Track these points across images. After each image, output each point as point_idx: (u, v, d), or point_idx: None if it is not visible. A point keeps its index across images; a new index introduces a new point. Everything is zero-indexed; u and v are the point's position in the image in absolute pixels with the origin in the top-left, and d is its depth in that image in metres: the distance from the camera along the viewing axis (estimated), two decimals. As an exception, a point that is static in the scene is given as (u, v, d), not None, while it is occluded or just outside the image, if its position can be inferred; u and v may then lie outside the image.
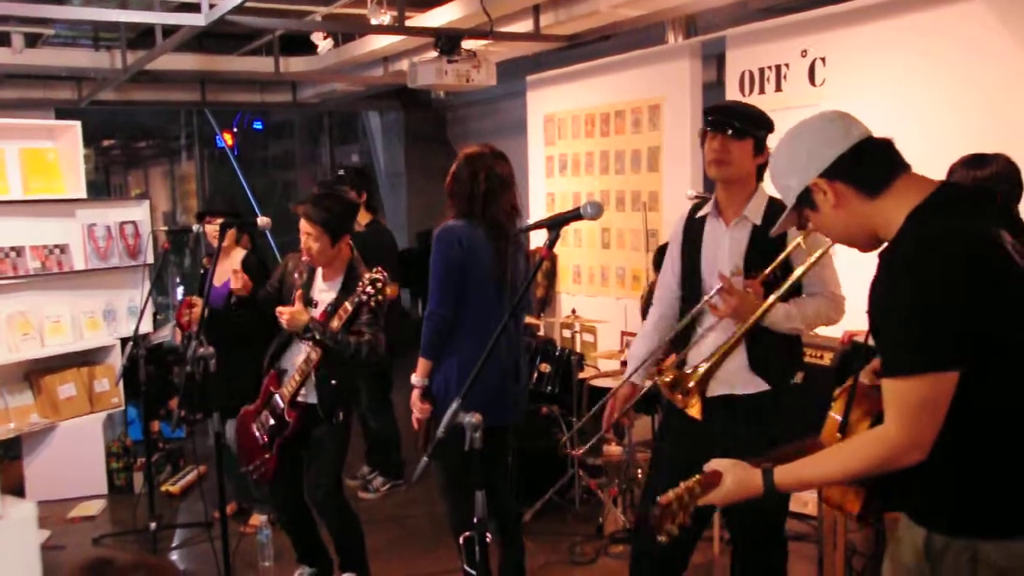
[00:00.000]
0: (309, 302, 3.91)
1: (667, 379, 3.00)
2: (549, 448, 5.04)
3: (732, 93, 5.37)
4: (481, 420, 2.21)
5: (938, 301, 1.70)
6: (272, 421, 3.92)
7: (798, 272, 2.86)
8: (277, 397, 3.92)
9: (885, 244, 1.84)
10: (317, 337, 3.68)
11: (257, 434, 3.97)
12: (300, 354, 3.89)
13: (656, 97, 6.03)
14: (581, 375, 5.28)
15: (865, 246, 1.93)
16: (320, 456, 3.90)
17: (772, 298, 2.84)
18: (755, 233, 2.95)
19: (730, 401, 2.99)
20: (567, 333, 5.92)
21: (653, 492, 3.23)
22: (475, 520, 2.29)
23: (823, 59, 4.86)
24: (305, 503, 4.08)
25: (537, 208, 7.20)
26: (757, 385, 2.96)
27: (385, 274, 3.65)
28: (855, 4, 4.71)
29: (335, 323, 3.69)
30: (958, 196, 1.86)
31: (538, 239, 5.08)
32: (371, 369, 3.89)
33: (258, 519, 4.86)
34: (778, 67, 5.11)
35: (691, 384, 2.97)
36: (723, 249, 3.02)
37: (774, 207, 2.91)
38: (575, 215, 2.28)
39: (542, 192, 7.22)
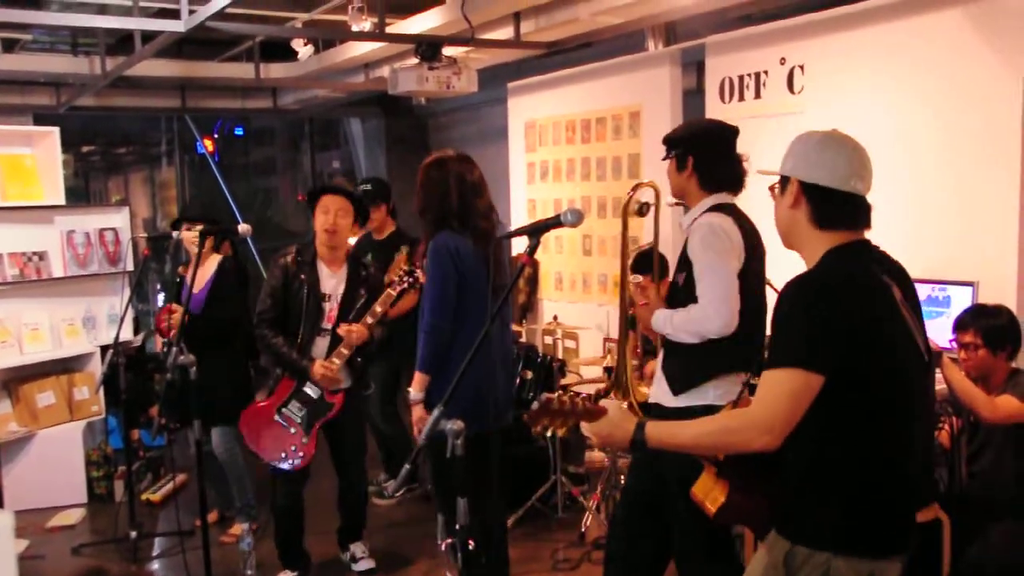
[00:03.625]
0: (322, 297, 4.14)
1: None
2: (531, 455, 5.04)
3: (711, 100, 5.40)
4: (463, 427, 2.21)
5: (817, 315, 1.96)
6: (305, 409, 4.12)
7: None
8: (310, 386, 4.12)
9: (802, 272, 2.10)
10: (377, 334, 4.13)
11: (285, 424, 4.11)
12: (317, 346, 4.15)
13: (636, 104, 6.05)
14: (563, 381, 5.29)
15: (786, 244, 2.23)
16: (350, 433, 4.31)
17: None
18: (684, 244, 3.05)
19: (659, 411, 3.01)
20: (549, 339, 5.93)
21: (627, 495, 3.26)
22: (457, 527, 2.29)
23: (802, 67, 4.90)
24: (302, 495, 4.28)
25: (518, 214, 7.20)
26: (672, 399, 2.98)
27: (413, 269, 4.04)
28: (834, 12, 4.75)
29: (379, 308, 4.03)
30: (862, 247, 2.12)
31: (519, 246, 5.09)
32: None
33: (239, 528, 4.84)
34: (757, 75, 5.14)
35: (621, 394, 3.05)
36: None
37: (692, 226, 3.01)
38: (555, 222, 2.29)
39: (523, 199, 7.22)
